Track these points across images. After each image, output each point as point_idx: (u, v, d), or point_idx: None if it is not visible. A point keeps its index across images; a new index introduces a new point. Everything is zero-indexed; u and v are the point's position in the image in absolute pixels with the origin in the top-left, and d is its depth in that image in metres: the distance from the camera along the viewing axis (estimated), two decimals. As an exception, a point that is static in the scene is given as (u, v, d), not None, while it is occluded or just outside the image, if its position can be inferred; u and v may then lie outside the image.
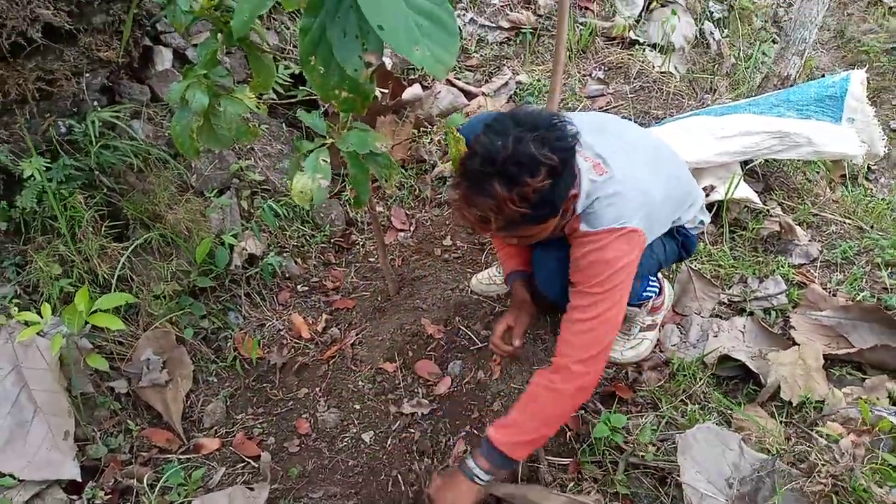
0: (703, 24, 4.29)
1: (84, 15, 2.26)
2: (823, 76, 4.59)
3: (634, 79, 3.45)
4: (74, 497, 2.00)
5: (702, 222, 2.04)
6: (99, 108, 2.36)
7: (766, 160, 2.93)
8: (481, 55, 3.65)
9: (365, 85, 1.53)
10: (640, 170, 1.74)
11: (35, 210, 2.26)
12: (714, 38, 4.26)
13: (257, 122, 2.90)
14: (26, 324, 2.10)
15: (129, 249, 2.34)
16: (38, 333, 2.07)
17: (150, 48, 2.74)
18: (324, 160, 1.88)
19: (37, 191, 2.21)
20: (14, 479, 1.94)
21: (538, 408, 1.66)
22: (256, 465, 2.13)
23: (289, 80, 3.05)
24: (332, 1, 1.37)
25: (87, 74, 2.32)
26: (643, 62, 3.55)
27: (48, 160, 2.21)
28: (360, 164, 1.94)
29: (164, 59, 2.77)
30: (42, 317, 2.05)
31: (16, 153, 2.22)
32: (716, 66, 4.10)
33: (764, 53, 4.22)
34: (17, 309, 2.15)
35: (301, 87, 3.07)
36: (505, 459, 1.67)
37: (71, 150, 2.33)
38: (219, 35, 2.06)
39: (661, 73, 3.52)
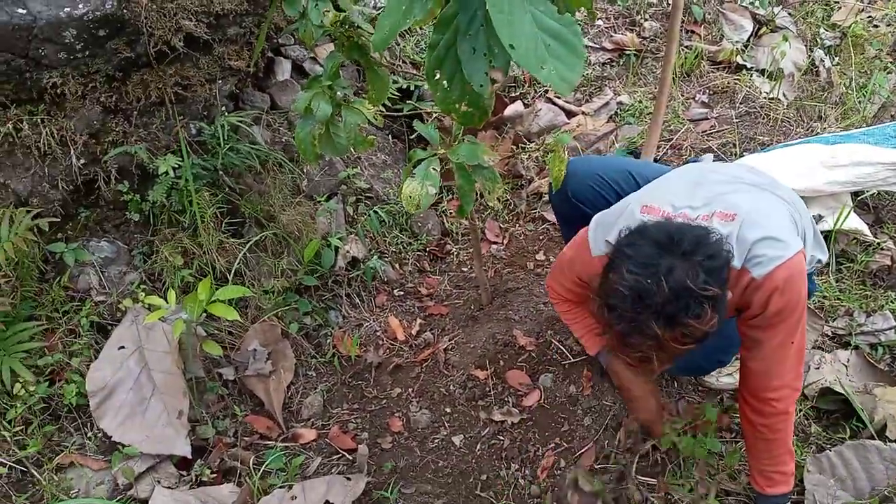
0: (813, 52, 4.17)
1: (220, 26, 2.45)
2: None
3: (740, 104, 3.39)
4: (184, 473, 2.16)
5: (819, 262, 1.88)
6: (227, 113, 2.55)
7: (878, 192, 2.82)
8: (583, 75, 3.67)
9: (485, 100, 1.60)
10: (761, 198, 1.70)
11: (164, 204, 2.45)
12: (824, 66, 4.12)
13: (370, 133, 3.04)
14: (149, 308, 2.28)
15: (246, 247, 2.51)
16: (160, 318, 2.24)
17: (272, 59, 2.94)
18: (434, 169, 1.96)
19: (167, 186, 2.41)
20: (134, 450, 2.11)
21: (784, 437, 1.71)
22: (350, 458, 2.23)
23: (396, 94, 3.18)
24: (464, 19, 1.45)
25: (219, 81, 2.52)
26: (750, 87, 3.49)
27: (179, 159, 2.40)
28: (468, 175, 2.01)
29: (284, 69, 2.95)
30: (167, 303, 2.22)
31: (152, 151, 2.42)
32: (826, 95, 3.97)
33: (878, 84, 4.05)
34: (144, 294, 2.34)
35: (408, 101, 3.19)
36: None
37: (200, 150, 2.52)
38: (342, 49, 2.20)
39: (769, 99, 3.45)
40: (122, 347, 2.31)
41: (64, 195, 2.32)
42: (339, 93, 2.12)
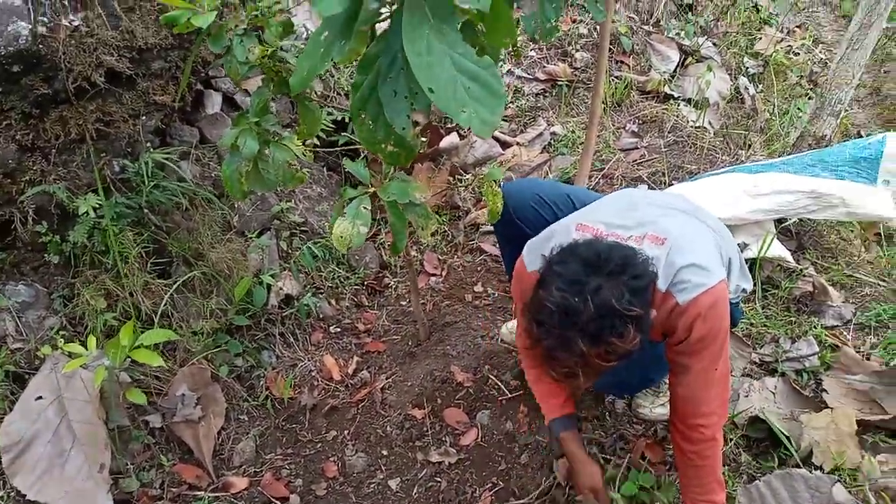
0: (737, 80, 4.34)
1: (144, 61, 2.38)
2: (860, 134, 4.60)
3: (669, 133, 3.49)
4: (106, 529, 2.04)
5: (744, 290, 1.92)
6: (152, 150, 2.47)
7: (800, 219, 2.92)
8: (517, 106, 3.73)
9: (410, 140, 1.59)
10: (690, 225, 1.75)
11: (86, 245, 2.35)
12: (749, 94, 4.30)
13: (301, 168, 2.99)
14: (70, 355, 2.17)
15: (173, 287, 2.42)
16: (81, 366, 2.13)
17: (201, 91, 2.87)
18: (365, 207, 1.94)
19: (88, 227, 2.31)
20: (50, 508, 1.99)
21: (713, 464, 1.72)
22: (284, 506, 2.15)
23: (331, 126, 3.15)
24: (384, 62, 1.44)
25: (143, 117, 2.44)
26: (678, 116, 3.60)
27: (101, 198, 2.31)
28: (400, 212, 1.99)
29: (214, 102, 2.89)
30: (87, 349, 2.12)
31: (72, 190, 2.32)
32: (750, 121, 4.13)
33: (799, 109, 4.24)
34: (63, 340, 2.22)
35: (343, 134, 3.17)
36: None
37: (123, 188, 2.43)
38: (271, 84, 2.17)
39: (696, 127, 3.56)
40: (40, 398, 2.19)
41: (-25, 238, 2.21)
42: (267, 128, 2.08)
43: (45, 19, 2.12)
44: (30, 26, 2.08)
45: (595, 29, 3.89)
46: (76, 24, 2.18)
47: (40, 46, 2.10)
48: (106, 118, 2.34)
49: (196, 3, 2.00)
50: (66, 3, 2.17)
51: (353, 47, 1.42)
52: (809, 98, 4.75)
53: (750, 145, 3.71)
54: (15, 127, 2.18)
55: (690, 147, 3.42)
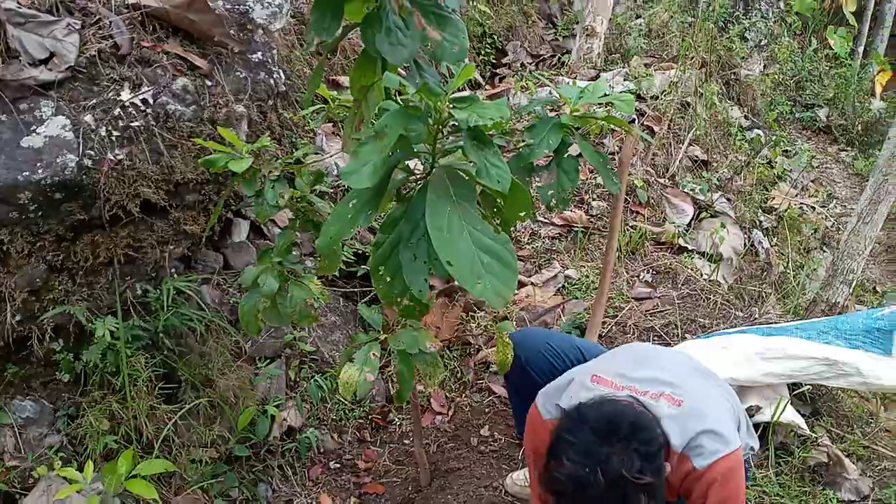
0: (752, 233, 4.43)
1: (179, 194, 2.51)
2: (875, 290, 4.61)
3: (682, 285, 3.54)
4: None
5: (752, 448, 1.94)
6: (175, 276, 2.54)
7: (815, 384, 2.89)
8: (533, 247, 3.82)
9: (425, 299, 1.63)
10: (706, 388, 1.78)
11: (98, 365, 2.38)
12: (763, 247, 4.37)
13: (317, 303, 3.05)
14: (66, 479, 2.14)
15: (178, 415, 2.41)
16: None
17: (230, 220, 2.99)
18: (374, 354, 1.96)
19: (103, 347, 2.34)
20: None
21: None
22: None
23: (351, 257, 3.23)
24: (406, 228, 1.51)
25: (171, 245, 2.53)
26: (691, 269, 3.66)
27: (119, 321, 2.35)
28: (409, 361, 2.01)
29: (241, 230, 3.00)
30: (84, 476, 2.09)
31: (92, 310, 2.38)
32: (765, 275, 4.18)
33: (813, 269, 4.29)
34: (60, 463, 2.20)
35: (363, 266, 3.25)
36: None
37: (142, 311, 2.49)
38: (297, 223, 2.26)
39: (709, 281, 3.61)
40: (27, 522, 2.14)
41: (-8, 351, 2.24)
42: (289, 267, 2.15)
43: (92, 153, 2.26)
44: (77, 159, 2.22)
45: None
46: (120, 157, 2.32)
47: (84, 177, 2.23)
48: (135, 244, 2.44)
49: (234, 148, 2.14)
50: (114, 139, 2.33)
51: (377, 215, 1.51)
52: (823, 250, 4.83)
53: (764, 300, 3.73)
54: (47, 248, 2.27)
55: (704, 300, 3.45)
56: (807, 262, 4.40)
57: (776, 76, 6.90)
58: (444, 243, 1.32)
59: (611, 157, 4.15)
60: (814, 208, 5.38)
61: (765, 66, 7.24)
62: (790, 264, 4.36)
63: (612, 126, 2.21)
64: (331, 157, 3.34)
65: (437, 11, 1.87)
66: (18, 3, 2.53)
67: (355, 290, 3.39)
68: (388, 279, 1.60)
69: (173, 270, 2.58)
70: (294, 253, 2.24)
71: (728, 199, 4.42)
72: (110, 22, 2.64)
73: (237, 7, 2.94)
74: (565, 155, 1.92)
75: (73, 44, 2.50)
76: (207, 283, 2.74)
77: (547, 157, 1.93)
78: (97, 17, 2.64)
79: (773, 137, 5.45)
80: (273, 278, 2.05)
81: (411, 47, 1.79)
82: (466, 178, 1.48)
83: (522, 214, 1.56)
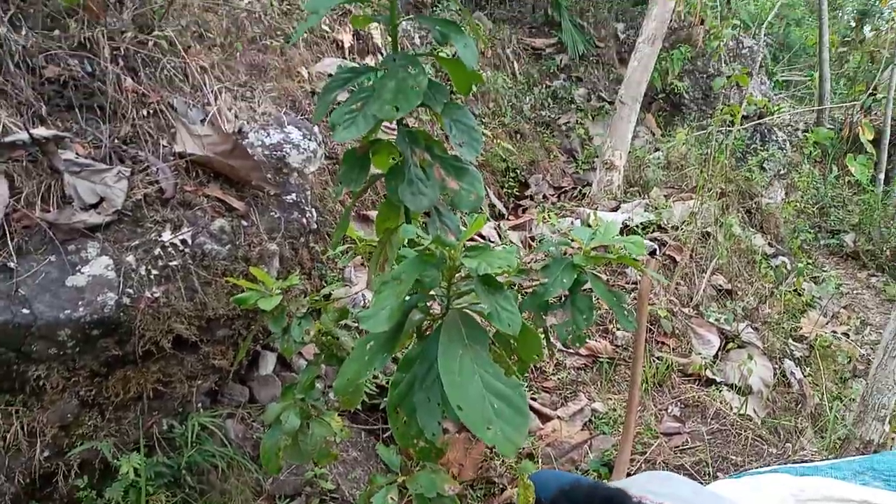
0: (782, 363, 4.35)
1: (210, 329, 2.60)
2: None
3: (712, 419, 3.46)
4: None
5: None
6: (201, 410, 2.59)
7: (859, 527, 2.73)
8: (558, 378, 3.80)
9: (440, 443, 1.64)
10: None
11: (119, 502, 2.38)
12: (795, 378, 4.27)
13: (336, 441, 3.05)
14: None
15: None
16: None
17: (257, 353, 3.07)
18: (392, 498, 1.94)
19: (126, 484, 2.36)
20: None
21: None
22: None
23: (374, 389, 3.25)
24: (421, 370, 1.55)
25: (200, 380, 2.60)
26: (721, 402, 3.58)
27: (143, 458, 2.38)
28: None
29: (268, 363, 3.06)
30: None
31: (118, 446, 2.42)
32: (799, 407, 4.05)
33: (851, 393, 4.15)
34: None
35: (385, 399, 3.25)
36: None
37: (167, 447, 2.52)
38: (321, 358, 2.32)
39: (740, 415, 3.52)
40: None
41: (18, 488, 2.27)
42: (312, 404, 2.19)
43: (131, 291, 2.39)
44: (117, 297, 2.35)
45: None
46: (157, 295, 2.45)
47: (121, 314, 2.35)
48: (165, 379, 2.51)
49: (264, 285, 2.25)
50: (153, 277, 2.47)
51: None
52: (857, 377, 4.68)
53: (800, 435, 3.61)
54: (81, 384, 2.35)
55: (734, 436, 3.35)
56: (843, 392, 4.27)
57: (798, 204, 7.02)
58: (455, 387, 1.36)
59: (633, 285, 4.20)
60: (847, 336, 5.28)
61: (786, 194, 7.39)
62: (825, 395, 4.23)
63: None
64: (357, 293, 3.45)
65: (455, 164, 2.02)
66: (77, 153, 2.79)
67: (377, 424, 3.38)
68: (405, 420, 1.63)
69: (200, 405, 2.63)
70: (318, 387, 2.29)
71: (755, 329, 4.38)
72: (157, 169, 2.87)
73: (274, 153, 3.18)
74: (579, 293, 1.97)
75: (121, 189, 2.71)
76: (232, 418, 2.77)
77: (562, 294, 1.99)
78: (146, 164, 2.88)
79: (799, 265, 5.46)
80: (295, 415, 2.08)
81: (431, 196, 1.92)
82: (479, 320, 1.54)
83: (535, 357, 1.60)
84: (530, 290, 2.05)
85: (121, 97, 2.95)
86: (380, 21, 2.15)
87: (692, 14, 5.79)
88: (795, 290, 5.25)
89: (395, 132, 2.04)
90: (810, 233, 6.66)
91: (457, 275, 1.55)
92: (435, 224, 2.03)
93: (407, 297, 1.52)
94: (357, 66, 3.99)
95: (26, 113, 2.81)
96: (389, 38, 1.99)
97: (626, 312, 2.01)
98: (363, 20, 2.19)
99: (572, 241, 2.06)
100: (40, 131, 2.66)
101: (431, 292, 1.60)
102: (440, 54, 2.32)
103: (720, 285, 4.67)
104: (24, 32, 2.84)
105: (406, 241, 1.90)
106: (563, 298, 1.99)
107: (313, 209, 3.38)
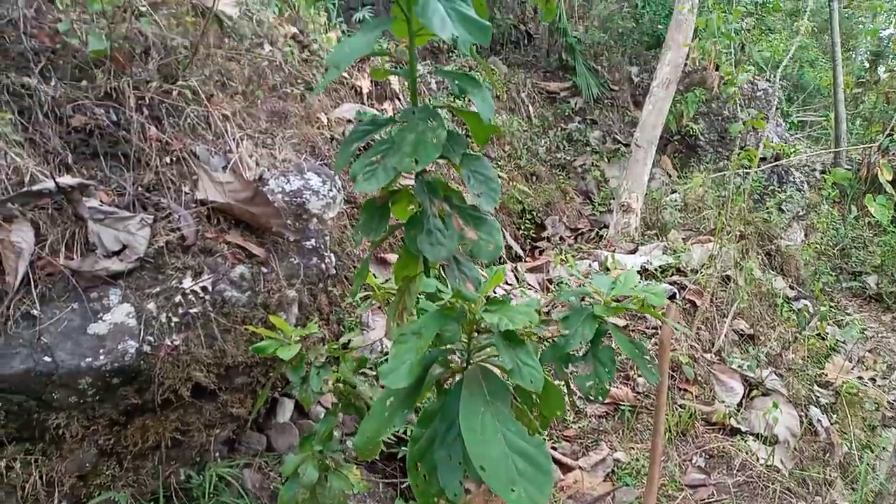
0: (808, 410, 4.25)
1: (229, 376, 2.60)
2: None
3: (738, 471, 3.37)
4: None
5: None
6: (219, 459, 2.57)
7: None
8: (579, 427, 3.73)
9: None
10: None
11: (134, 557, 2.35)
12: (822, 426, 4.17)
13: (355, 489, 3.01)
14: None
15: None
16: None
17: (275, 400, 3.05)
18: (413, 553, 1.90)
19: (142, 538, 2.33)
20: None
21: None
22: None
23: (392, 438, 3.22)
24: (442, 426, 1.53)
25: (218, 428, 2.58)
26: (746, 452, 3.49)
27: (160, 506, 2.36)
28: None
29: (285, 411, 3.04)
30: None
31: (136, 496, 2.40)
32: (827, 457, 3.94)
33: (881, 441, 4.04)
34: None
35: (403, 448, 3.21)
36: None
37: (184, 497, 2.49)
38: (339, 408, 2.31)
39: (767, 466, 3.43)
40: None
41: (34, 540, 2.25)
42: (330, 456, 2.16)
43: (152, 339, 2.40)
44: (137, 345, 2.36)
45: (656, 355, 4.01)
46: (177, 343, 2.45)
47: (142, 362, 2.35)
48: (184, 427, 2.50)
49: (283, 333, 2.25)
50: (173, 324, 2.48)
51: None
52: (886, 425, 4.55)
53: (830, 486, 3.50)
54: (100, 432, 2.35)
55: (762, 489, 3.26)
56: (872, 441, 4.15)
57: (818, 245, 6.95)
58: (478, 446, 1.34)
59: (653, 329, 4.15)
60: (873, 381, 5.16)
61: (806, 235, 7.32)
62: (854, 444, 4.11)
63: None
64: (374, 341, 3.43)
65: (473, 213, 2.03)
66: (101, 200, 2.84)
67: (396, 475, 3.33)
68: (425, 476, 1.60)
69: (217, 454, 2.61)
70: (336, 435, 2.26)
71: (779, 375, 4.30)
72: (179, 216, 2.91)
73: (294, 200, 3.21)
74: (601, 345, 1.95)
75: (144, 237, 2.74)
76: (250, 467, 2.74)
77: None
78: (168, 211, 2.92)
79: (821, 308, 5.38)
80: (313, 468, 2.06)
81: (450, 246, 1.92)
82: (500, 375, 1.52)
83: (558, 413, 1.58)
84: (550, 338, 2.04)
85: (145, 145, 3.02)
86: (399, 74, 2.19)
87: (706, 60, 5.84)
88: (819, 335, 5.16)
89: (414, 180, 2.06)
90: (832, 275, 6.57)
91: (476, 328, 1.54)
92: (454, 274, 2.03)
93: (427, 352, 1.51)
94: (377, 115, 4.06)
95: (53, 161, 2.87)
96: (407, 85, 2.01)
97: (648, 364, 1.99)
98: (383, 73, 2.24)
99: (592, 289, 2.04)
100: (66, 179, 2.72)
101: (451, 346, 1.58)
102: (457, 100, 2.35)
103: (742, 330, 4.61)
104: (53, 83, 2.93)
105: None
106: (584, 350, 1.97)
107: (332, 254, 3.39)
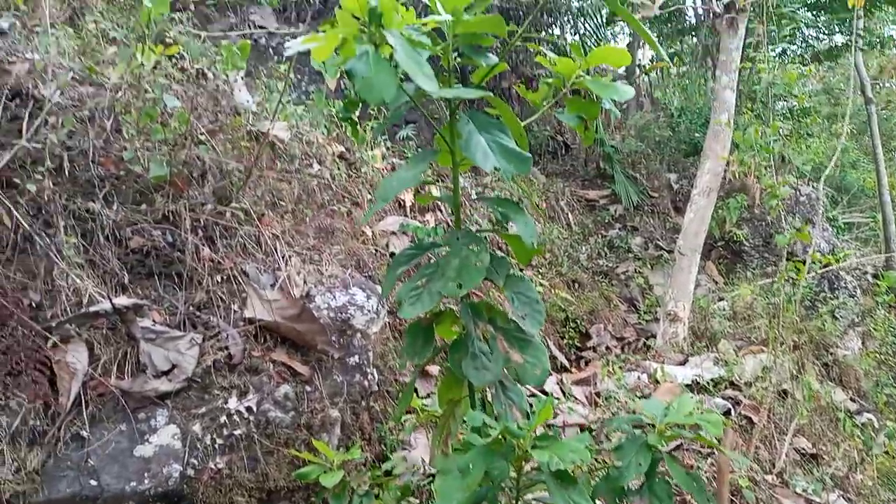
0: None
1: (270, 501, 2.56)
2: None
3: None
4: None
5: None
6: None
7: None
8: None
9: None
10: None
11: None
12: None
13: None
14: None
15: None
16: None
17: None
18: None
19: None
20: None
21: None
22: None
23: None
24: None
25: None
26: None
27: None
28: None
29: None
30: None
31: None
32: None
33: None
34: None
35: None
36: None
37: None
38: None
39: None
40: None
41: None
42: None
43: (196, 462, 2.39)
44: (181, 468, 2.35)
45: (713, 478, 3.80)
46: (220, 466, 2.43)
47: (185, 486, 2.33)
48: (223, 556, 2.43)
49: (325, 458, 2.22)
50: (217, 446, 2.47)
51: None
52: None
53: None
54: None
55: None
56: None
57: (877, 354, 6.64)
58: None
59: (708, 450, 3.95)
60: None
61: (863, 343, 7.03)
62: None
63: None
64: (417, 465, 3.35)
65: (519, 336, 2.02)
66: (153, 320, 2.92)
67: None
68: None
69: None
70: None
71: (849, 500, 4.01)
72: (227, 334, 2.96)
73: (339, 315, 3.25)
74: (656, 478, 1.86)
75: (193, 356, 2.79)
76: None
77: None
78: (217, 329, 2.98)
79: (888, 423, 5.06)
80: None
81: (495, 370, 1.90)
82: (552, 515, 1.46)
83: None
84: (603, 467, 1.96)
85: (197, 265, 3.13)
86: (442, 200, 2.25)
87: (746, 174, 5.89)
88: (888, 453, 4.83)
89: (459, 302, 2.07)
90: (895, 386, 6.23)
91: (526, 465, 1.49)
92: (500, 399, 1.99)
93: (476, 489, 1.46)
94: (422, 234, 4.14)
95: (110, 282, 2.99)
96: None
97: (707, 498, 1.88)
98: (427, 198, 2.31)
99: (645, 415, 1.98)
100: (122, 300, 2.82)
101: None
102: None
103: (803, 448, 4.35)
104: (115, 207, 3.09)
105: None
106: (638, 482, 1.89)
107: (374, 369, 3.38)
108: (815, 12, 8.64)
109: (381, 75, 1.39)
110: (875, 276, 8.11)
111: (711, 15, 6.96)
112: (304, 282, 3.35)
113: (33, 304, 2.70)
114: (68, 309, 2.74)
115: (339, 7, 1.48)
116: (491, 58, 1.81)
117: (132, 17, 4.32)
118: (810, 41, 10.00)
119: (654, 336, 5.96)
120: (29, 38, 3.03)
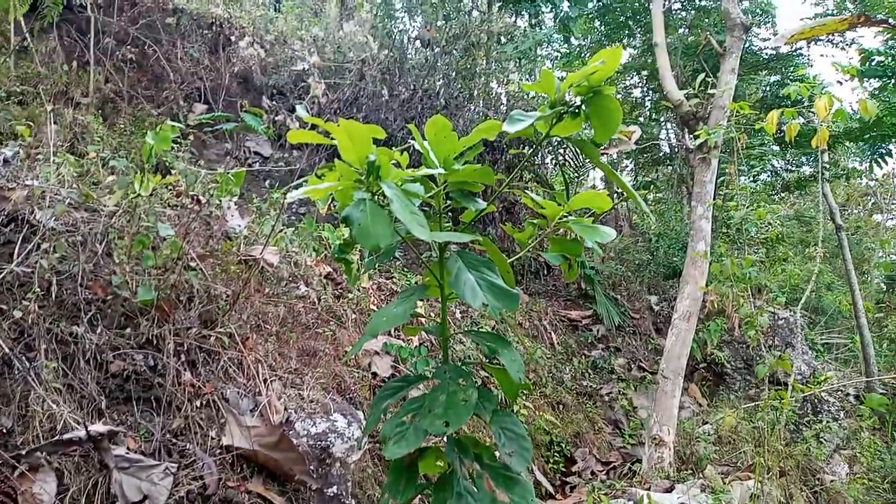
0: None
1: None
2: None
3: None
4: None
5: None
6: None
7: None
8: None
9: None
10: None
11: None
12: None
13: None
14: None
15: None
16: None
17: None
18: None
19: None
20: None
21: None
22: None
23: None
24: None
25: None
26: None
27: None
28: None
29: None
30: None
31: None
32: None
33: None
34: None
35: None
36: None
37: None
38: None
39: None
40: None
41: None
42: None
43: None
44: None
45: None
46: None
47: None
48: None
49: None
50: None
51: None
52: None
53: None
54: None
55: None
56: None
57: (865, 480, 6.52)
58: None
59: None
60: None
61: (850, 467, 6.92)
62: None
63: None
64: None
65: (505, 473, 1.99)
66: (128, 447, 2.83)
67: None
68: None
69: None
70: None
71: None
72: (203, 463, 2.88)
73: (319, 443, 3.18)
74: None
75: (166, 487, 2.70)
76: None
77: None
78: (193, 457, 2.89)
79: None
80: None
81: (481, 513, 1.86)
82: None
83: None
84: None
85: (177, 390, 3.08)
86: (431, 333, 2.28)
87: (724, 304, 6.03)
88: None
89: (445, 438, 2.04)
90: (887, 516, 6.09)
91: None
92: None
93: None
94: (405, 354, 4.13)
95: (87, 407, 2.93)
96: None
97: None
98: (414, 329, 2.34)
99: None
100: (97, 427, 2.74)
101: None
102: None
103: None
104: (98, 331, 3.07)
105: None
106: None
107: (353, 500, 3.27)
108: (783, 146, 9.14)
109: (378, 224, 1.45)
110: (857, 398, 8.13)
111: (685, 149, 7.35)
112: (285, 407, 3.29)
113: (4, 430, 2.63)
114: (41, 435, 2.66)
115: (339, 157, 1.58)
116: (479, 202, 1.90)
117: (132, 142, 4.48)
118: (780, 173, 10.53)
119: (639, 460, 5.84)
120: (31, 167, 3.12)
